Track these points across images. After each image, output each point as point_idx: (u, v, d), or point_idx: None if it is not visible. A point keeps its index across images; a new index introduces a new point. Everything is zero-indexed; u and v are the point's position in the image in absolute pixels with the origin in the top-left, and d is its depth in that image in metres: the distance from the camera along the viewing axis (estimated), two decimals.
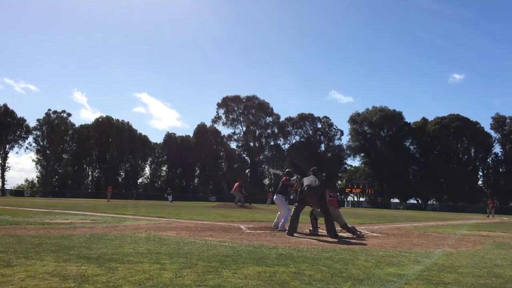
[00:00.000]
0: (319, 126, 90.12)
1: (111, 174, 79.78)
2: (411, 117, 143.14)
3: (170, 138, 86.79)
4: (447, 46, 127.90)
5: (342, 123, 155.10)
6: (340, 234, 9.94)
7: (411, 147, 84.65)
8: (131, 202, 36.66)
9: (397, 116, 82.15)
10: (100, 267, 4.58)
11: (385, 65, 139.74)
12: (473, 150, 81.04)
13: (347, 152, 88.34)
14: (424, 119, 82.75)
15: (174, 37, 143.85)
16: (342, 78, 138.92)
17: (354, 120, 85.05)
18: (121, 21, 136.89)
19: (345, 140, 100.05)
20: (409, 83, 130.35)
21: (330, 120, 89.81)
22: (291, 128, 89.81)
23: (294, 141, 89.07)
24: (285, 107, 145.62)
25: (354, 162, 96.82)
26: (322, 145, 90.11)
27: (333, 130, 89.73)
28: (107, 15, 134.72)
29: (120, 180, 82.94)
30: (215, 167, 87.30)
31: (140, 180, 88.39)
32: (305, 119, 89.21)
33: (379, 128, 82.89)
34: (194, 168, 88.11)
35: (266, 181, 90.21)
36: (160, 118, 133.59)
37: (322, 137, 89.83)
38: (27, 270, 4.32)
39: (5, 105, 74.89)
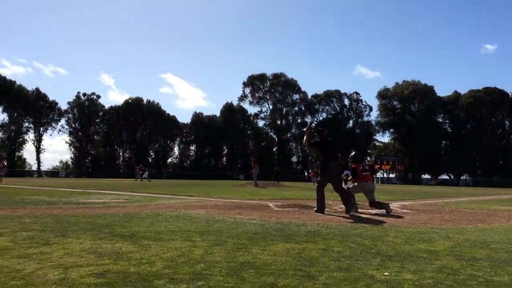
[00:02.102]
0: (347, 102, 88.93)
1: (141, 154, 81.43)
2: (442, 91, 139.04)
3: (197, 118, 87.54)
4: (477, 15, 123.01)
5: (369, 99, 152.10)
6: (368, 210, 9.90)
7: (443, 122, 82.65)
8: (161, 182, 37.41)
9: (428, 91, 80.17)
10: (134, 245, 4.73)
11: (413, 37, 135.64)
12: (507, 123, 78.54)
13: (376, 128, 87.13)
14: (456, 93, 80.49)
15: (196, 15, 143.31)
16: (368, 53, 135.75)
17: (383, 95, 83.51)
18: (144, 1, 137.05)
19: (373, 115, 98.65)
20: (439, 55, 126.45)
21: (359, 95, 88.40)
22: (318, 105, 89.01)
23: (321, 118, 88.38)
24: (312, 84, 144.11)
25: (384, 138, 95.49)
26: (350, 122, 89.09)
27: (362, 106, 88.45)
28: None
29: (150, 160, 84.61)
30: (242, 145, 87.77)
31: (169, 160, 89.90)
32: (331, 95, 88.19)
33: (410, 103, 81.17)
34: (222, 147, 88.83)
35: (294, 159, 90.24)
36: (186, 98, 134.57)
37: (350, 113, 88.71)
38: (64, 248, 4.50)
39: (37, 89, 76.99)
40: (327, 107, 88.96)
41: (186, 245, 4.76)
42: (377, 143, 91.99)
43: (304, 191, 22.10)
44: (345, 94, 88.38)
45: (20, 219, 6.99)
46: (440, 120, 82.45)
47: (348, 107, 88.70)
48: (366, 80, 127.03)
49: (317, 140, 9.66)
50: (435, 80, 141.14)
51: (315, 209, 9.47)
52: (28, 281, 3.17)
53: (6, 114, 74.22)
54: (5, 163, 33.05)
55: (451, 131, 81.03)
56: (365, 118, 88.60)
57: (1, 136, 74.95)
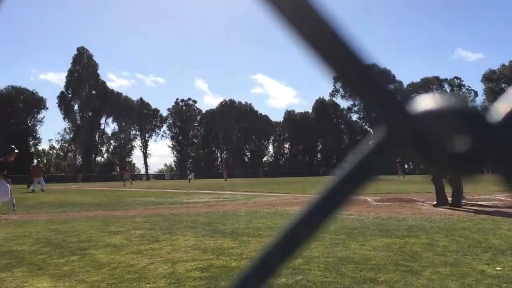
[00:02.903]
0: (447, 88, 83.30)
1: (237, 155, 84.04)
2: None
3: (289, 115, 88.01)
4: None
5: (473, 83, 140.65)
6: (477, 202, 9.21)
7: None
8: (257, 181, 38.22)
9: None
10: (234, 241, 4.92)
11: None
12: None
13: None
14: None
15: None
16: (468, 33, 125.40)
17: (489, 78, 76.83)
18: (227, 5, 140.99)
19: (479, 101, 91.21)
20: None
21: (461, 80, 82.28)
22: (415, 94, 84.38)
23: None
24: (407, 73, 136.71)
25: None
26: None
27: (465, 91, 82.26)
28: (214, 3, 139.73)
29: (246, 160, 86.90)
30: (337, 141, 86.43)
31: (265, 159, 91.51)
32: (429, 83, 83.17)
33: None
34: (316, 144, 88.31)
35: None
36: (277, 97, 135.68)
37: None
38: (172, 244, 4.83)
39: (141, 99, 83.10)
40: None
41: None
42: None
43: (404, 184, 21.16)
44: (445, 80, 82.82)
45: (132, 218, 7.62)
46: None
47: (449, 93, 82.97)
48: (467, 63, 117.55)
49: None
50: None
51: (434, 203, 8.87)
52: (141, 274, 3.46)
53: (116, 123, 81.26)
54: (129, 168, 36.07)
55: None
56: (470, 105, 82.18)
57: (113, 144, 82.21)
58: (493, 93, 76.47)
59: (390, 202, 10.08)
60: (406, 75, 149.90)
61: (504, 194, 12.10)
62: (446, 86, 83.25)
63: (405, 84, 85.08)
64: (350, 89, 0.31)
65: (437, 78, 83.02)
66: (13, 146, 10.65)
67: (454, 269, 3.35)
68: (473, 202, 9.38)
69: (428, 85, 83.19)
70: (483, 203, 9.16)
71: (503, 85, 76.44)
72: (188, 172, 45.57)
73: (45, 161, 72.26)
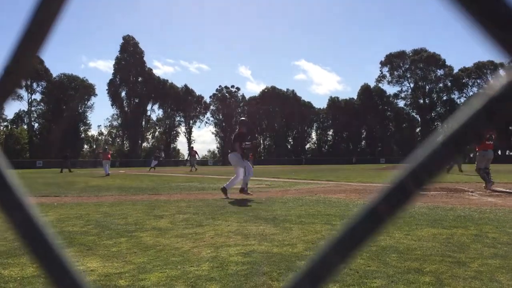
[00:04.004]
0: (503, 73, 79.10)
1: (280, 142, 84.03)
2: None
3: (333, 102, 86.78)
4: None
5: None
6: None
7: None
8: (300, 168, 38.09)
9: None
10: (276, 227, 4.95)
11: None
12: None
13: None
14: None
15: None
16: None
17: None
18: None
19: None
20: None
21: None
22: (467, 80, 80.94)
23: (471, 93, 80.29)
24: (459, 57, 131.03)
25: None
26: None
27: None
28: None
29: (289, 147, 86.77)
30: (382, 128, 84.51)
31: (307, 146, 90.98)
32: (483, 67, 79.31)
33: None
34: (361, 131, 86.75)
35: (440, 139, 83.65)
36: (321, 83, 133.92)
37: None
38: (215, 229, 4.91)
39: (185, 85, 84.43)
40: (478, 81, 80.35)
41: (326, 229, 4.81)
42: None
43: (451, 174, 20.44)
44: (501, 64, 78.68)
45: (177, 203, 7.81)
46: None
47: None
48: None
49: None
50: None
51: None
52: (186, 258, 3.55)
53: (162, 110, 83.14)
54: (196, 152, 36.56)
55: None
56: None
57: (158, 130, 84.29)
58: None
59: (437, 191, 9.77)
60: (457, 60, 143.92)
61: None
62: (501, 70, 79.04)
63: (456, 69, 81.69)
64: None
65: (491, 62, 79.00)
66: (243, 118, 10.73)
67: (505, 262, 3.21)
68: None
69: (481, 69, 79.45)
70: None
71: None
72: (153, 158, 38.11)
73: (94, 146, 75.23)
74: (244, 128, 10.01)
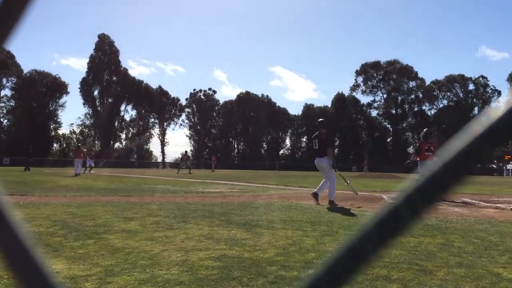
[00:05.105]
0: (471, 87, 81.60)
1: (254, 147, 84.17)
2: None
3: (308, 109, 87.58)
4: None
5: (496, 83, 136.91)
6: (495, 205, 9.04)
7: None
8: (273, 173, 38.21)
9: None
10: (247, 232, 4.94)
11: None
12: None
13: None
14: None
15: (303, 5, 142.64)
16: (494, 31, 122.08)
17: None
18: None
19: (503, 101, 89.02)
20: None
21: (487, 80, 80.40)
22: (438, 92, 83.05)
23: (441, 105, 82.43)
24: (431, 70, 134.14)
25: None
26: (476, 109, 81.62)
27: (489, 91, 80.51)
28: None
29: (263, 152, 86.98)
30: (355, 136, 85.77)
31: (281, 152, 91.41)
32: (454, 80, 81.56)
33: None
34: (334, 139, 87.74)
35: (410, 150, 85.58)
36: (296, 90, 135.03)
37: (475, 99, 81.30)
38: (186, 232, 4.86)
39: (160, 87, 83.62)
40: (448, 94, 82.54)
41: (298, 235, 4.83)
42: None
43: None
44: (470, 78, 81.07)
45: (147, 205, 7.71)
46: None
47: (473, 93, 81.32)
48: (491, 62, 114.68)
49: None
50: None
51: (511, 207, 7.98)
52: (155, 261, 3.50)
53: (135, 111, 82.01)
54: (189, 155, 36.24)
55: None
56: (493, 104, 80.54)
57: (132, 131, 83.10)
58: None
59: None
60: (429, 72, 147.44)
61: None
62: (471, 85, 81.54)
63: (428, 81, 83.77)
64: None
65: (462, 76, 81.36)
66: (323, 119, 9.82)
67: (469, 271, 3.30)
68: (491, 204, 9.22)
69: (451, 82, 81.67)
70: (502, 205, 9.00)
71: None
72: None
73: (64, 145, 73.53)
74: (327, 130, 9.32)
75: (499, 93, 79.67)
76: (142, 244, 4.19)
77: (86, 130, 76.94)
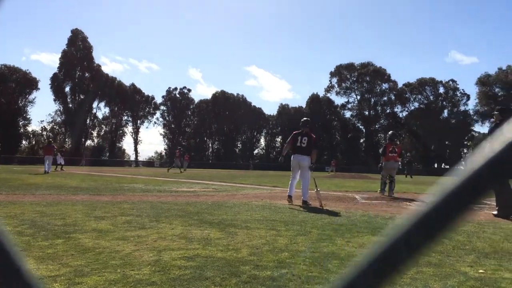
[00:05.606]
0: (442, 91, 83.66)
1: (228, 146, 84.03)
2: None
3: (283, 109, 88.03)
4: None
5: (465, 86, 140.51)
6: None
7: None
8: (247, 173, 38.23)
9: None
10: (221, 232, 4.92)
11: None
12: None
13: (475, 117, 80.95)
14: None
15: (279, 6, 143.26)
16: (463, 36, 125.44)
17: (484, 82, 77.14)
18: None
19: (471, 105, 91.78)
20: None
21: (456, 83, 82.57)
22: (409, 95, 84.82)
23: (412, 108, 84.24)
24: (403, 73, 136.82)
25: (483, 128, 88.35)
26: (445, 111, 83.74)
27: (458, 94, 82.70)
28: None
29: (237, 151, 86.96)
30: (328, 137, 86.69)
31: (256, 151, 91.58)
32: (425, 84, 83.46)
33: None
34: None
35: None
36: (271, 90, 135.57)
37: (444, 102, 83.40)
38: (158, 232, 4.81)
39: (133, 84, 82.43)
40: (419, 96, 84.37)
41: (271, 234, 4.84)
42: (476, 134, 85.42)
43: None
44: (441, 82, 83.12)
45: (119, 204, 7.58)
46: None
47: (443, 96, 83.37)
48: (461, 66, 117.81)
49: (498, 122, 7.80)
50: None
51: (494, 212, 7.54)
52: (126, 261, 3.44)
53: (108, 108, 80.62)
54: (179, 154, 35.31)
55: None
56: (462, 108, 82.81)
57: (104, 128, 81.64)
58: (486, 97, 76.93)
59: (378, 200, 10.14)
60: (401, 75, 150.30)
61: (490, 198, 12.22)
62: (441, 88, 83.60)
63: (400, 83, 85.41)
64: None
65: (433, 79, 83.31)
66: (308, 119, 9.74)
67: (438, 270, 3.37)
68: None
69: (423, 85, 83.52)
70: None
71: (496, 89, 76.96)
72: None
73: (34, 142, 71.65)
74: (311, 130, 9.32)
75: (468, 96, 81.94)
76: (113, 243, 4.11)
77: (57, 127, 75.24)
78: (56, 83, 72.17)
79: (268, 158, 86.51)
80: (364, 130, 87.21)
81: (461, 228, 5.78)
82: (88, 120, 76.76)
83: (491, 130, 7.59)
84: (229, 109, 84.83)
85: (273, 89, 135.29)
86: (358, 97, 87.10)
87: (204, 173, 30.66)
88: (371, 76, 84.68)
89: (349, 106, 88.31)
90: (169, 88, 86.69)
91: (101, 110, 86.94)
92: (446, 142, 79.84)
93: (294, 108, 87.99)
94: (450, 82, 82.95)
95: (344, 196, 11.19)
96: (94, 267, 3.22)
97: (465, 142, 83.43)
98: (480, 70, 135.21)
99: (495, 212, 7.43)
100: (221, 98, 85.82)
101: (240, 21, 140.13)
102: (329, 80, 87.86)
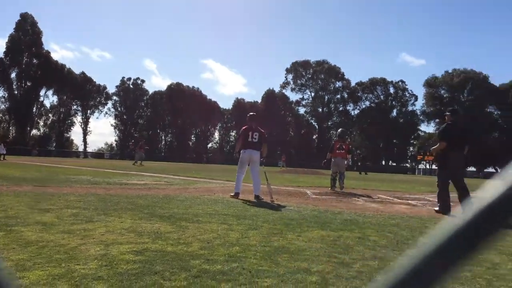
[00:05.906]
0: (392, 91, 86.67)
1: (182, 139, 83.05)
2: (500, 79, 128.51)
3: (239, 103, 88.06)
4: None
5: (413, 88, 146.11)
6: (409, 202, 9.69)
7: (495, 112, 78.47)
8: (200, 166, 37.99)
9: (481, 79, 76.32)
10: (172, 225, 4.86)
11: (463, 20, 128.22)
12: None
13: (421, 118, 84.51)
14: None
15: (237, 1, 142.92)
16: (412, 39, 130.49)
17: (430, 84, 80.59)
18: None
19: (419, 105, 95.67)
20: (494, 40, 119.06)
21: (405, 84, 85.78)
22: (361, 93, 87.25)
23: (364, 106, 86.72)
24: (356, 72, 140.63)
25: (429, 128, 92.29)
26: (394, 111, 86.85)
27: (407, 94, 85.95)
28: None
29: (191, 144, 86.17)
30: (283, 132, 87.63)
31: (210, 145, 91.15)
32: (376, 83, 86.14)
33: (459, 92, 77.91)
34: None
35: None
36: (227, 84, 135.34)
37: (394, 102, 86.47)
38: (106, 226, 4.68)
39: (83, 73, 79.62)
40: (371, 95, 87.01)
41: (223, 228, 4.84)
42: (422, 133, 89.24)
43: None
44: (391, 82, 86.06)
45: (66, 197, 7.31)
46: (491, 110, 78.40)
47: (393, 95, 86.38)
48: (410, 68, 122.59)
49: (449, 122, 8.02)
50: (489, 69, 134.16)
51: (436, 208, 7.88)
52: (71, 255, 3.33)
53: (56, 96, 77.42)
54: (143, 145, 33.64)
55: (502, 122, 77.08)
56: (410, 108, 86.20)
57: (51, 118, 78.34)
58: (433, 99, 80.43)
59: (328, 196, 10.37)
60: (354, 74, 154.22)
61: (432, 194, 12.81)
62: (391, 88, 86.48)
63: (353, 82, 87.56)
64: None
65: (383, 79, 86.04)
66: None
67: (383, 263, 3.50)
68: (404, 201, 9.87)
69: (374, 85, 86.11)
70: (413, 202, 9.66)
71: (442, 91, 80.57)
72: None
73: None
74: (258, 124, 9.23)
75: (416, 97, 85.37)
76: (58, 237, 3.96)
77: (0, 115, 71.47)
78: (2, 69, 68.43)
79: (222, 152, 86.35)
80: (317, 127, 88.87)
81: (405, 223, 6.03)
82: (34, 109, 73.41)
83: (444, 129, 7.95)
84: (184, 102, 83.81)
85: (229, 83, 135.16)
86: (313, 94, 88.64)
87: (156, 166, 30.16)
88: (325, 74, 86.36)
89: (304, 102, 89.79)
90: (123, 78, 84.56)
91: (49, 98, 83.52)
92: (394, 141, 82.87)
93: (250, 103, 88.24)
94: (400, 83, 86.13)
95: (296, 191, 11.35)
96: (37, 261, 3.09)
97: (412, 141, 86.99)
98: (428, 72, 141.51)
99: (437, 208, 7.78)
100: (176, 90, 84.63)
101: (197, 14, 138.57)
102: (285, 77, 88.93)
